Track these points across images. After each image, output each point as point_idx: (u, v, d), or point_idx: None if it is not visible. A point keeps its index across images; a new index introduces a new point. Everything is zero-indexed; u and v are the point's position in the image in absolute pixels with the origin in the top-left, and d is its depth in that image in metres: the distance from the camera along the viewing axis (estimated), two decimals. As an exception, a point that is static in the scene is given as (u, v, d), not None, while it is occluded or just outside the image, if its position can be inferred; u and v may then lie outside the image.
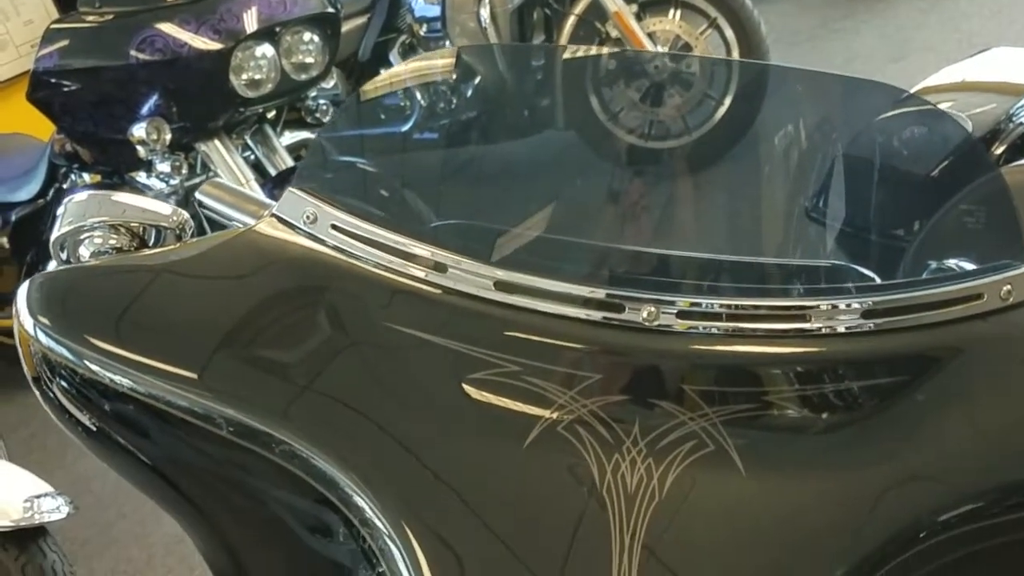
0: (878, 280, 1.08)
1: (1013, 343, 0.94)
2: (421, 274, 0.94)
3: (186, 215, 1.01)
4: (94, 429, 0.99)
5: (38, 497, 2.14)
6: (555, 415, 0.88)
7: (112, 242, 1.02)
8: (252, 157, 3.22)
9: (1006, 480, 0.90)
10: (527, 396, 0.90)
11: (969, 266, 1.00)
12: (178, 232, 1.03)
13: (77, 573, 2.20)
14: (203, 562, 2.57)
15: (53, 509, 2.15)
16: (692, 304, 0.91)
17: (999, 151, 1.61)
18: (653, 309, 0.90)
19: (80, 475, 3.18)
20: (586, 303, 0.92)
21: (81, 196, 1.03)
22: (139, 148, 2.94)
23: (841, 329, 0.92)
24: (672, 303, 0.91)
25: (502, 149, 1.35)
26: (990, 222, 1.03)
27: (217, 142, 3.04)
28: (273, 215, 0.98)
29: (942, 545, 0.88)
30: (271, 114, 3.29)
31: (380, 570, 0.90)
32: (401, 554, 0.86)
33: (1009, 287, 0.93)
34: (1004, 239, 0.97)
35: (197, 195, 1.11)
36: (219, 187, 1.10)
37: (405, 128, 1.48)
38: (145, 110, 2.96)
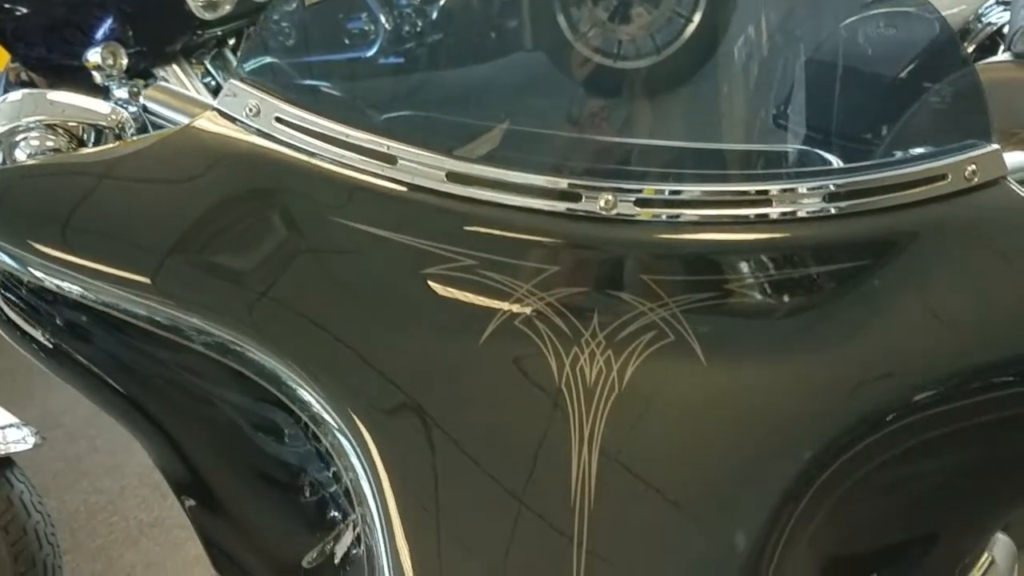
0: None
1: (977, 225, 0.92)
2: (370, 167, 0.90)
3: (126, 114, 0.97)
4: (43, 341, 0.96)
5: (3, 428, 2.11)
6: (512, 309, 0.86)
7: (50, 143, 0.98)
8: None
9: (968, 364, 0.88)
10: (483, 290, 0.87)
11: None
12: (118, 132, 0.99)
13: (47, 504, 2.17)
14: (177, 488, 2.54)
15: (19, 440, 2.12)
16: (651, 192, 0.89)
17: (969, 51, 1.58)
18: (611, 198, 0.88)
19: (50, 409, 3.15)
20: (542, 193, 0.89)
21: (15, 96, 0.99)
22: (95, 74, 2.86)
23: (803, 214, 0.89)
24: (630, 191, 0.88)
25: (464, 72, 1.30)
26: (960, 115, 1.01)
27: (176, 67, 2.98)
28: (214, 109, 0.94)
29: (905, 429, 0.87)
30: (232, 40, 3.21)
31: (333, 469, 0.88)
32: (355, 450, 0.84)
33: (973, 167, 0.91)
34: (973, 129, 0.95)
35: (142, 99, 1.06)
36: (164, 91, 1.06)
37: (357, 24, 1.43)
38: (100, 34, 2.88)
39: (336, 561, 0.92)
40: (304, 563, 0.96)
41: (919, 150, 0.97)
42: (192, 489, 1.00)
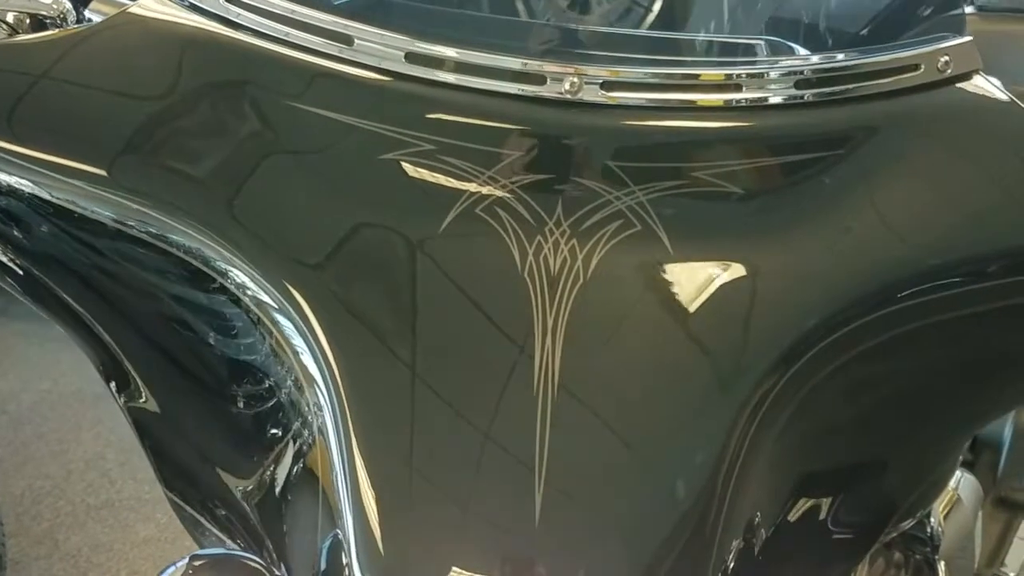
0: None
1: (947, 118, 0.90)
2: (324, 48, 0.86)
3: (67, 3, 0.92)
4: None
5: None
6: (473, 196, 0.82)
7: (-14, 34, 0.93)
8: None
9: (932, 258, 0.86)
10: (443, 176, 0.84)
11: None
12: (59, 23, 0.94)
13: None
14: (122, 475, 2.47)
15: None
16: (617, 75, 0.86)
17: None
18: (576, 80, 0.85)
19: (-7, 396, 3.07)
20: (505, 75, 0.86)
21: (-52, -16, 0.94)
22: None
23: (773, 100, 0.87)
24: (596, 75, 0.85)
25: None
26: (933, 9, 0.99)
27: None
28: None
29: (874, 323, 0.84)
30: None
31: (275, 378, 0.84)
32: (307, 343, 0.80)
33: (947, 58, 0.89)
34: (947, 24, 0.93)
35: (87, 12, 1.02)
36: None
37: None
38: None
39: (277, 491, 0.87)
40: (238, 495, 0.91)
41: (892, 43, 0.96)
42: (134, 397, 0.95)
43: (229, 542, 0.92)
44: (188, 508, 0.90)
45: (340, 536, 0.76)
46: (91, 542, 2.53)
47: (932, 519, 1.13)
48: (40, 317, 0.99)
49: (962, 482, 1.29)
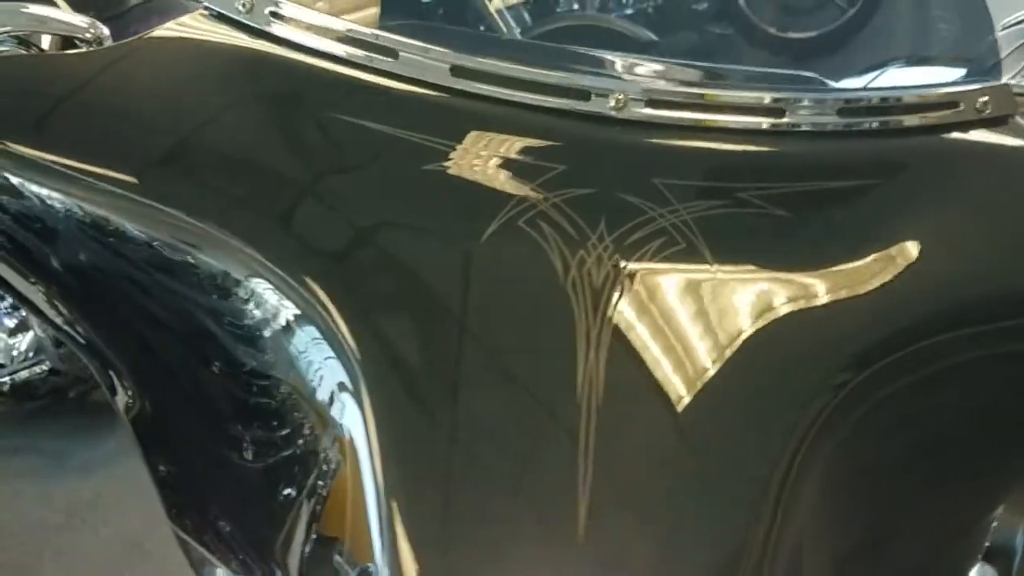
0: None
1: (984, 155, 0.91)
2: (370, 62, 0.86)
3: (105, 30, 0.92)
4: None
5: None
6: (516, 209, 0.82)
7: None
8: None
9: (968, 291, 0.87)
10: (485, 189, 0.83)
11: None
12: (95, 47, 0.93)
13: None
14: None
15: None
16: (664, 94, 0.86)
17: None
18: (622, 96, 0.85)
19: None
20: (551, 91, 0.86)
21: (-13, 6, 0.93)
22: None
23: (817, 127, 0.87)
24: (642, 93, 0.85)
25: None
26: (966, 41, 1.02)
27: None
28: (205, 7, 0.90)
29: (912, 355, 0.84)
30: None
31: (313, 382, 0.81)
32: (343, 351, 0.77)
33: (986, 99, 0.91)
34: (981, 57, 0.95)
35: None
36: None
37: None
38: None
39: (293, 522, 0.82)
40: (250, 527, 0.86)
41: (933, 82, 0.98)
42: (146, 424, 0.90)
43: None
44: (195, 543, 0.85)
45: (374, 560, 0.72)
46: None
47: None
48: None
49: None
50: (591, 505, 0.71)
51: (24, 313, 3.22)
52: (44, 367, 3.24)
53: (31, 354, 3.24)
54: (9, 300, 3.24)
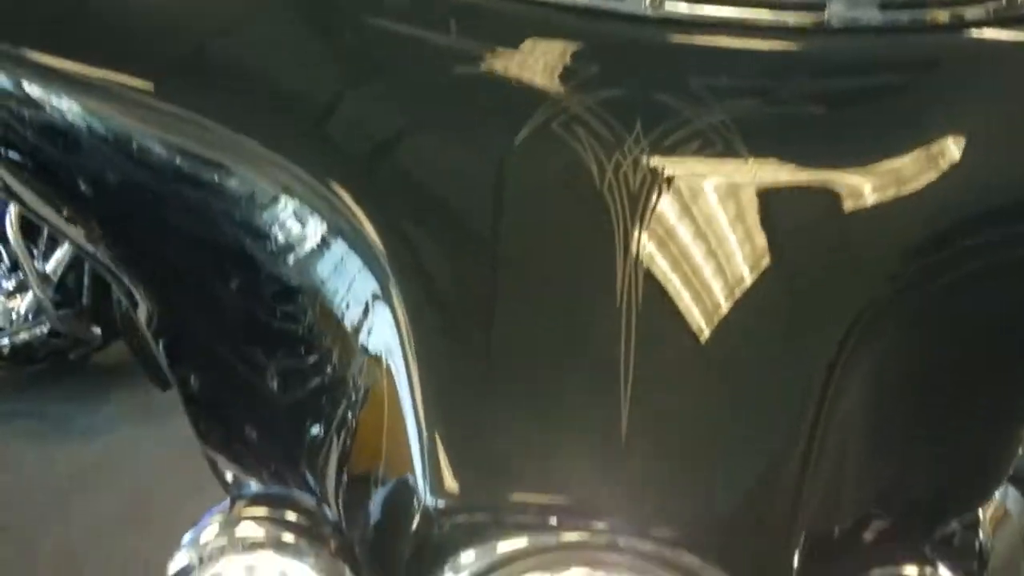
0: None
1: None
2: None
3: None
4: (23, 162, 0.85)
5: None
6: (549, 111, 0.78)
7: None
8: None
9: (1012, 192, 0.83)
10: (518, 92, 0.80)
11: None
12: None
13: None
14: (91, 567, 2.31)
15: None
16: None
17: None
18: None
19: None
20: None
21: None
22: None
23: (856, 22, 0.84)
24: None
25: None
26: None
27: None
28: None
29: (956, 256, 0.81)
30: None
31: (344, 287, 0.78)
32: (374, 257, 0.75)
33: None
34: None
35: None
36: None
37: None
38: None
39: (325, 428, 0.80)
40: (281, 437, 0.83)
41: None
42: (171, 338, 0.87)
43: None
44: (225, 459, 0.82)
45: (413, 471, 0.69)
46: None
47: (981, 533, 1.07)
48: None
49: (1010, 497, 1.23)
50: (632, 413, 0.69)
51: (22, 274, 3.19)
52: (44, 329, 3.22)
53: (30, 316, 3.21)
54: (7, 261, 3.21)
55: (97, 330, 3.29)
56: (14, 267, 3.18)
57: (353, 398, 0.77)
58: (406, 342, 0.72)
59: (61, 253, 3.24)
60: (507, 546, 0.69)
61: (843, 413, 0.73)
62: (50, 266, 3.24)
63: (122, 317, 3.16)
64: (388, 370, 0.73)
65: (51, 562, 2.63)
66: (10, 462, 3.10)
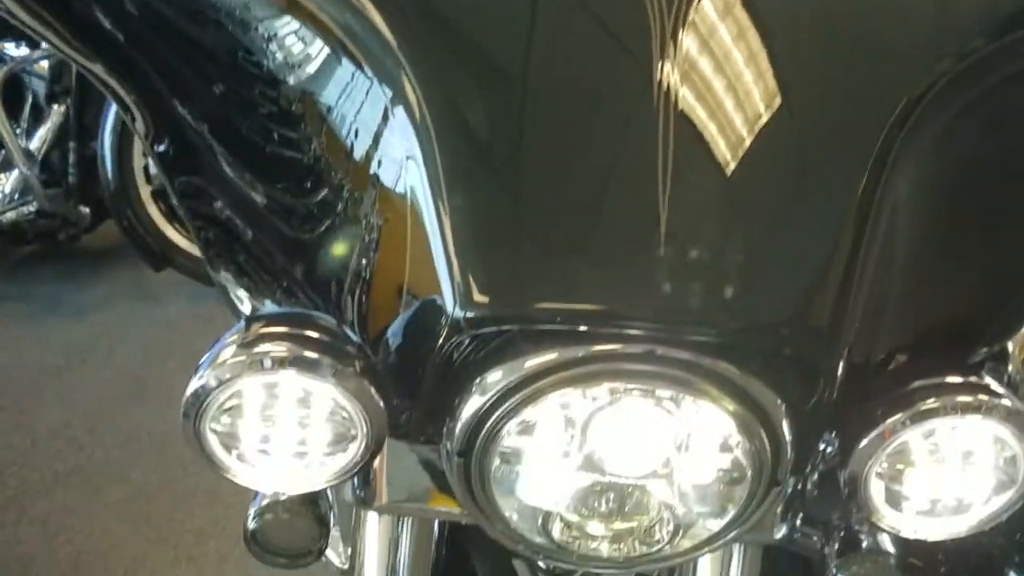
0: None
1: None
2: None
3: None
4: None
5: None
6: None
7: None
8: None
9: None
10: None
11: None
12: None
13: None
14: (91, 441, 2.30)
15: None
16: None
17: None
18: None
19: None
20: None
21: None
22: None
23: None
24: None
25: None
26: None
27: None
28: None
29: (989, 53, 0.76)
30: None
31: (361, 87, 0.73)
32: (398, 49, 0.70)
33: None
34: None
35: None
36: None
37: None
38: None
39: (339, 242, 0.75)
40: (290, 254, 0.79)
41: None
42: (173, 151, 0.82)
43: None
44: (237, 281, 0.78)
45: (440, 292, 0.66)
46: (60, 507, 2.37)
47: (1010, 366, 1.05)
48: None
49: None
50: (670, 215, 0.66)
51: (6, 152, 3.12)
52: (31, 208, 3.15)
53: (16, 196, 3.14)
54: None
55: (86, 210, 3.23)
56: (-3, 144, 3.11)
57: (372, 220, 0.73)
58: (431, 154, 0.68)
59: (44, 130, 3.16)
60: (535, 362, 0.66)
61: (887, 222, 0.70)
62: (34, 143, 3.16)
63: (111, 197, 3.10)
64: (411, 189, 0.69)
65: (51, 440, 2.62)
66: (4, 343, 3.07)
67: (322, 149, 0.77)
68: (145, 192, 3.11)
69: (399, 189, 0.70)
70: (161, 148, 0.79)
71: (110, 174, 3.02)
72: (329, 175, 0.76)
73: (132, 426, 2.65)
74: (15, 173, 3.10)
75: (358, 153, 0.74)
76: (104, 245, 3.57)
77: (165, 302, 3.31)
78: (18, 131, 3.15)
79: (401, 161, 0.70)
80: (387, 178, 0.72)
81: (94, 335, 3.12)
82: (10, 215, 3.11)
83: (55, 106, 3.14)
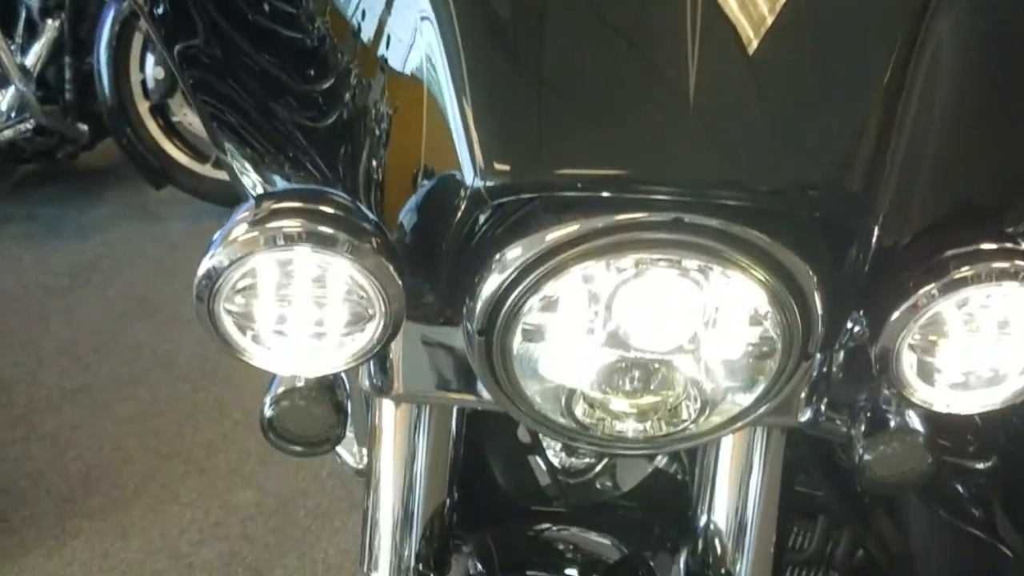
0: None
1: None
2: None
3: None
4: None
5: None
6: None
7: None
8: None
9: None
10: None
11: None
12: None
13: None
14: (97, 360, 2.28)
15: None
16: None
17: None
18: None
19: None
20: None
21: None
22: None
23: None
24: None
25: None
26: None
27: None
28: None
29: None
30: None
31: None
32: None
33: None
34: None
35: None
36: None
37: None
38: None
39: (354, 118, 0.72)
40: (305, 131, 0.76)
41: None
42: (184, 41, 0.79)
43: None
44: (247, 159, 0.75)
45: (456, 152, 0.64)
46: (69, 423, 2.37)
47: None
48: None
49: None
50: (700, 73, 0.63)
51: (0, 67, 3.06)
52: (29, 125, 3.11)
53: (13, 113, 3.10)
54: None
55: (84, 127, 3.18)
56: (-10, 62, 3.05)
57: (385, 91, 0.71)
58: (446, 15, 0.65)
59: (39, 46, 3.11)
60: (557, 234, 0.64)
61: (923, 85, 0.67)
62: (29, 59, 3.11)
63: (108, 113, 3.05)
64: (426, 54, 0.66)
65: (57, 358, 2.61)
66: (7, 265, 3.05)
67: (332, 15, 0.74)
68: (143, 107, 3.06)
69: (414, 55, 0.67)
70: (159, 11, 0.75)
71: (107, 90, 2.97)
72: (340, 42, 0.73)
73: (137, 344, 2.64)
74: (11, 90, 3.05)
75: (370, 19, 0.71)
76: (103, 164, 3.53)
77: (167, 220, 3.28)
78: (13, 47, 3.09)
79: (416, 24, 0.67)
80: (401, 44, 0.69)
81: (97, 255, 3.10)
82: (8, 133, 3.07)
83: (49, 21, 3.08)
